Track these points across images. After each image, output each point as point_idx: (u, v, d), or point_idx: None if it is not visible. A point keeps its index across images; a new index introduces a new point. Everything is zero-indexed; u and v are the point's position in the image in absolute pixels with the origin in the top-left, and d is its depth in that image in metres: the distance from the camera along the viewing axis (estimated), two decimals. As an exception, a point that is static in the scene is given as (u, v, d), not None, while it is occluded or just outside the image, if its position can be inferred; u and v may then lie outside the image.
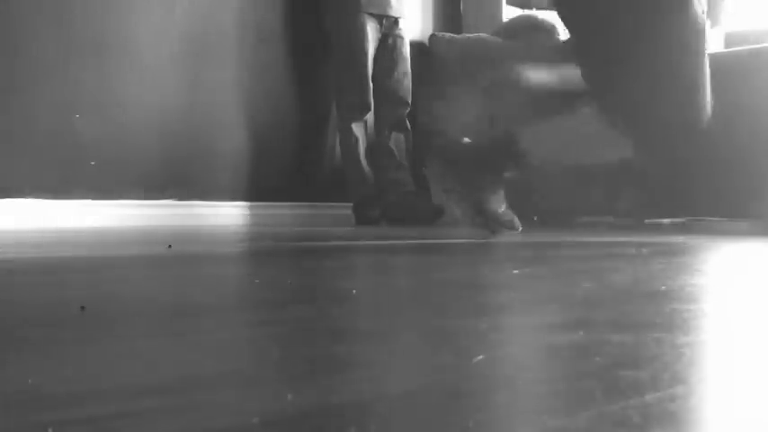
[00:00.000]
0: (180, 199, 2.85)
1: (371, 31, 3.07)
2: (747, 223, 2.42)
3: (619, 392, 0.35)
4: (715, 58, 2.54)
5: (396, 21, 3.17)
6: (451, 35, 3.58)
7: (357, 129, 3.07)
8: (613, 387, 0.36)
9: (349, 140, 3.07)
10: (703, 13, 1.63)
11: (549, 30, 3.08)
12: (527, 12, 3.53)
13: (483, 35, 3.29)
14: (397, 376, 0.39)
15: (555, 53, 2.32)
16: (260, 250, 1.50)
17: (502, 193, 1.85)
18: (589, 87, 1.68)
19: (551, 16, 3.16)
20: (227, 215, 2.97)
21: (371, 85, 3.07)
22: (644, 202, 2.60)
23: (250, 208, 3.07)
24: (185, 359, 0.42)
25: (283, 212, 3.16)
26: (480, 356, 0.42)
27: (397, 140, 3.19)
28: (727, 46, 2.83)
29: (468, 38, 3.39)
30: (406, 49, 3.22)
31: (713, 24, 2.57)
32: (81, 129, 2.61)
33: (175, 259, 1.19)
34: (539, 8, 3.22)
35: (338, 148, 3.22)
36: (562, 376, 0.38)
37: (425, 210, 3.14)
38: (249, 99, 3.09)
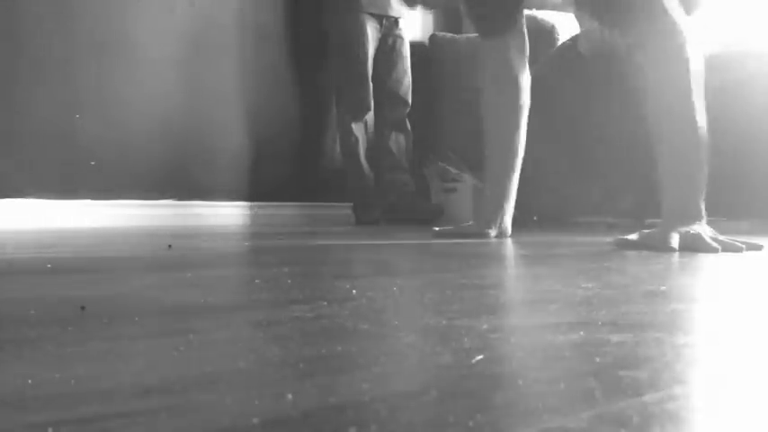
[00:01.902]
0: (180, 199, 2.85)
1: (371, 31, 3.07)
2: (747, 223, 2.41)
3: (619, 392, 0.35)
4: (716, 57, 2.54)
5: (396, 21, 3.17)
6: (452, 35, 3.58)
7: (357, 129, 3.06)
8: (613, 387, 0.36)
9: (349, 140, 3.07)
10: None
11: (550, 30, 3.08)
12: (527, 12, 3.52)
13: None
14: (397, 376, 0.39)
15: None
16: (260, 250, 1.50)
17: None
18: None
19: (551, 16, 3.15)
20: (227, 215, 2.97)
21: (371, 85, 3.07)
22: (644, 202, 2.60)
23: (250, 208, 3.07)
24: (185, 359, 0.42)
25: (283, 212, 3.16)
26: (480, 356, 0.42)
27: (397, 140, 3.19)
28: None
29: (468, 38, 3.39)
30: (406, 49, 3.22)
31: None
32: (81, 129, 2.61)
33: (175, 259, 1.19)
34: (539, 8, 3.21)
35: (338, 149, 3.22)
36: (562, 376, 0.38)
37: (425, 210, 3.14)
38: (249, 99, 3.09)
